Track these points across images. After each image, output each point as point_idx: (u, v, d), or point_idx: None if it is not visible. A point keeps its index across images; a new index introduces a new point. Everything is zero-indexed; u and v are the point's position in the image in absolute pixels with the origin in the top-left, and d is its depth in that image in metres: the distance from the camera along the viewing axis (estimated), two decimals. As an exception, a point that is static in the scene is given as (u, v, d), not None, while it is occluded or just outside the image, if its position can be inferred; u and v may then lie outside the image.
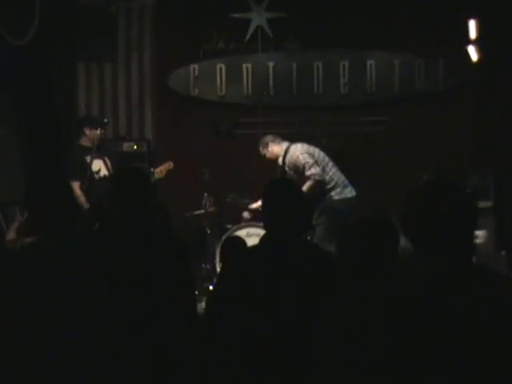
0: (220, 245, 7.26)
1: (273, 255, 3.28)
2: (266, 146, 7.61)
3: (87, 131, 7.35)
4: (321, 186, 7.32)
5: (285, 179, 6.30)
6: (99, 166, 7.35)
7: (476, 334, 1.78)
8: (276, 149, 7.59)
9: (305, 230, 6.29)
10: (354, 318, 1.93)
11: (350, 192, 7.43)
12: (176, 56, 9.11)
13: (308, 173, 7.31)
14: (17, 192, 7.73)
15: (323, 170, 7.37)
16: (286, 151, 7.52)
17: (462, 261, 1.90)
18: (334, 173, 7.44)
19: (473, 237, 1.94)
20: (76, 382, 3.15)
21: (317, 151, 7.48)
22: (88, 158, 7.25)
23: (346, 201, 7.35)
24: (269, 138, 7.64)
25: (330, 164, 7.47)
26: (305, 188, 7.12)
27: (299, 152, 7.44)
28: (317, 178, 7.30)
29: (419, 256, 1.92)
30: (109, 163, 7.41)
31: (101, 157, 7.40)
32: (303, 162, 7.36)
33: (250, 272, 3.25)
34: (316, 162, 7.38)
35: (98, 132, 7.33)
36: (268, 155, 7.61)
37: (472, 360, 1.77)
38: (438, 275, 1.87)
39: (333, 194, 7.37)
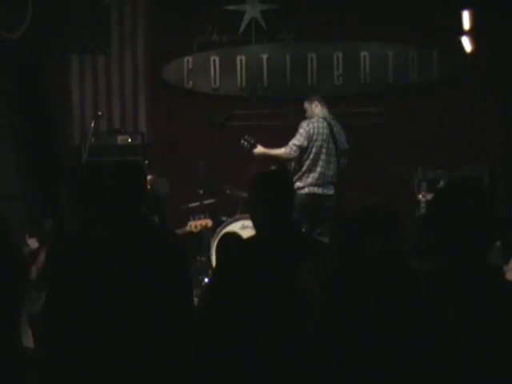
0: (216, 240, 7.24)
1: (269, 249, 3.28)
2: (312, 102, 7.78)
3: None
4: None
5: (275, 170, 6.28)
6: None
7: (490, 336, 1.78)
8: (313, 111, 7.76)
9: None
10: (353, 315, 1.93)
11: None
12: (170, 48, 9.08)
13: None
14: (9, 185, 7.77)
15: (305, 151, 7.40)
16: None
17: (479, 261, 1.90)
18: (311, 162, 7.44)
19: (492, 238, 1.93)
20: (75, 380, 3.16)
21: (319, 136, 7.51)
22: None
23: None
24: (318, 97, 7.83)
25: (317, 154, 7.47)
26: (276, 151, 7.42)
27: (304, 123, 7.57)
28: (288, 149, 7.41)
29: (438, 255, 1.91)
30: None
31: None
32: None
33: (246, 269, 3.24)
34: (305, 140, 7.42)
35: None
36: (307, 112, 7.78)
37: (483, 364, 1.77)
38: (459, 274, 1.86)
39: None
